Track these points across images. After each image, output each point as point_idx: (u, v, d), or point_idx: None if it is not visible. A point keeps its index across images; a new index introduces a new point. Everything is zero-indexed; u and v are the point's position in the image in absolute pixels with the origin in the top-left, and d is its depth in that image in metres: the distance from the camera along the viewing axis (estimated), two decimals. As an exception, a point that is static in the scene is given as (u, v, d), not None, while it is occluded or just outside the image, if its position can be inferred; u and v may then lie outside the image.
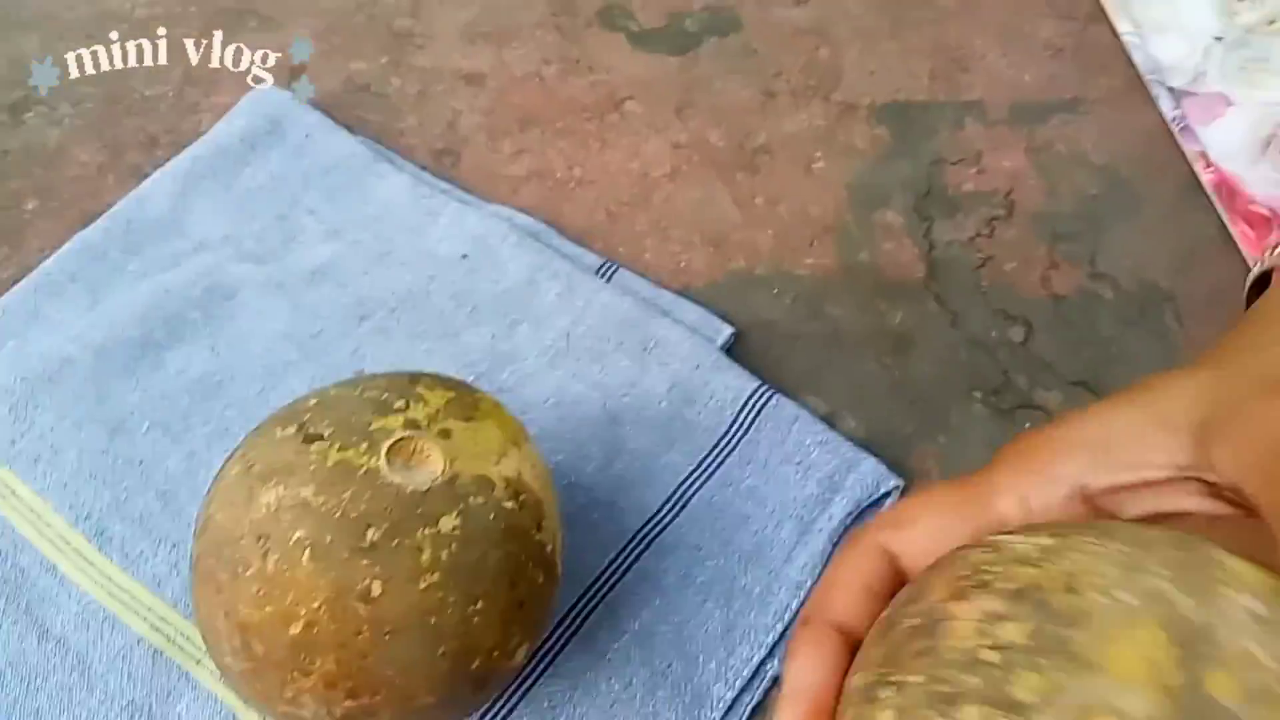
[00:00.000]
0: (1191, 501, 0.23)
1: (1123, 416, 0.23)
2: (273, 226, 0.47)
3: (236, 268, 0.45)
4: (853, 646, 0.23)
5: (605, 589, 0.38)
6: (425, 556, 0.28)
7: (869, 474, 0.39)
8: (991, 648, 0.19)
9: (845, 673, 0.22)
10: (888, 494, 0.39)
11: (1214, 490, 0.22)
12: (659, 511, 0.39)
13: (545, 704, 0.35)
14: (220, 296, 0.44)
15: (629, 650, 0.37)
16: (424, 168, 0.49)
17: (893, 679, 0.20)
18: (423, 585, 0.28)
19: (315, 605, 0.27)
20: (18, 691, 0.35)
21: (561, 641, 0.37)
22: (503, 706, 0.35)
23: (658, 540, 0.39)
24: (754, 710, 0.36)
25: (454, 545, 0.28)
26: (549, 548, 0.31)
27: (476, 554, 0.29)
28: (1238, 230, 0.47)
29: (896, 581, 0.24)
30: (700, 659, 0.36)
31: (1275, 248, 0.32)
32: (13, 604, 0.37)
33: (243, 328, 0.43)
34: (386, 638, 0.27)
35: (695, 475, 0.40)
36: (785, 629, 0.37)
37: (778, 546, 0.38)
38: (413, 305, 0.44)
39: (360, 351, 0.43)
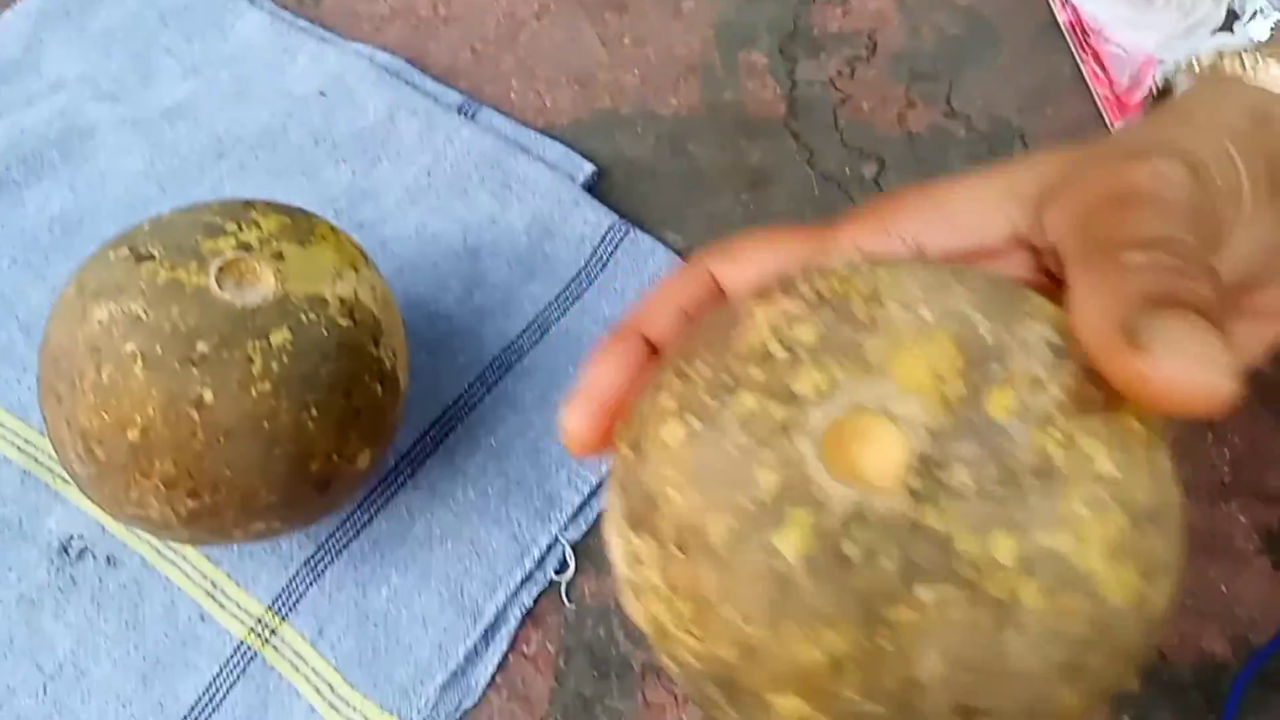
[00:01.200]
0: (1024, 273, 0.22)
1: (973, 184, 0.23)
2: (129, 65, 0.46)
3: (94, 107, 0.45)
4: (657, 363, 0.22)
5: (465, 409, 0.40)
6: (256, 367, 0.29)
7: (717, 302, 0.41)
8: (782, 344, 0.18)
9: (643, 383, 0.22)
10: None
11: (1039, 262, 0.22)
12: (518, 339, 0.41)
13: (404, 512, 0.38)
14: (78, 135, 0.44)
15: (485, 463, 0.39)
16: (284, 6, 0.48)
17: (682, 370, 0.19)
18: (254, 393, 0.29)
19: (150, 412, 0.29)
20: (-111, 513, 0.37)
21: (421, 456, 0.39)
22: (363, 515, 0.38)
23: (518, 365, 0.41)
24: (599, 516, 0.39)
25: (285, 357, 0.30)
26: (389, 364, 0.33)
27: (308, 366, 0.30)
28: (1089, 70, 0.48)
29: (716, 308, 0.23)
30: (553, 469, 0.39)
31: (1171, 72, 0.31)
32: (-121, 433, 0.38)
33: (101, 166, 0.43)
34: (221, 440, 0.29)
35: (554, 305, 0.42)
36: (631, 445, 0.39)
37: (628, 370, 0.41)
38: (271, 143, 0.44)
39: (219, 189, 0.43)
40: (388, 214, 0.43)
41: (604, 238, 0.43)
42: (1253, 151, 0.23)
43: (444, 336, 0.41)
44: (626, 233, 0.43)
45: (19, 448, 0.38)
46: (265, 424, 0.30)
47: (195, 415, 0.29)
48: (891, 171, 0.46)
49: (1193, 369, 0.17)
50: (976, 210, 0.22)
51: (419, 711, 0.35)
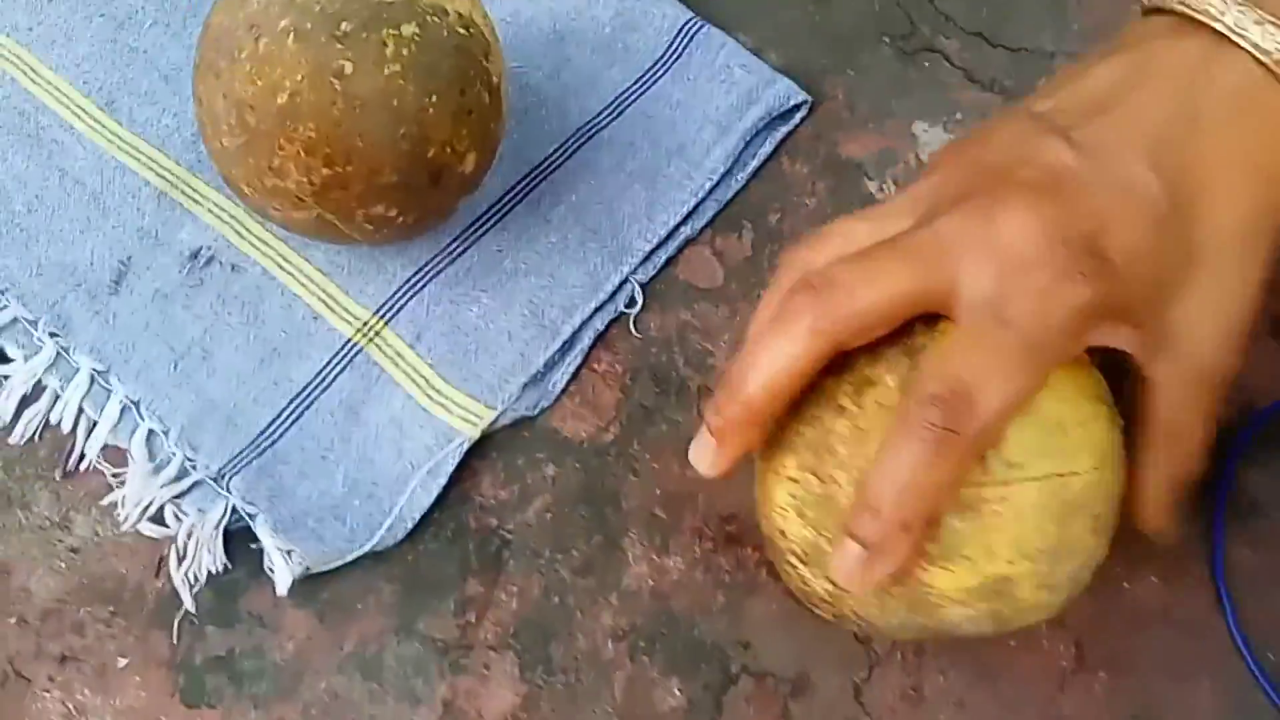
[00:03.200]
0: None
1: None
2: None
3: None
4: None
5: (550, 170, 0.44)
6: (389, 49, 0.34)
7: (782, 90, 0.45)
8: None
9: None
10: (796, 107, 0.46)
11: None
12: (598, 115, 0.45)
13: (493, 248, 0.42)
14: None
15: (566, 214, 0.43)
16: None
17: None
18: (387, 72, 0.34)
19: (298, 78, 0.33)
20: (44, 216, 0.42)
21: (509, 206, 0.43)
22: (458, 247, 0.42)
23: (596, 137, 0.45)
24: (666, 263, 0.43)
25: (413, 46, 0.34)
26: (494, 79, 0.37)
27: (431, 57, 0.35)
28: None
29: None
30: (626, 222, 0.43)
31: None
32: (37, 152, 0.43)
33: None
34: (357, 110, 0.34)
35: (632, 89, 0.46)
36: (698, 203, 0.44)
37: (699, 145, 0.45)
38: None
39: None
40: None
41: (680, 30, 0.47)
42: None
43: (532, 107, 0.45)
44: (701, 28, 0.47)
45: (157, 173, 0.43)
46: (394, 101, 0.34)
47: (336, 84, 0.33)
48: (950, -4, 0.49)
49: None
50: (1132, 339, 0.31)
51: (503, 402, 0.39)
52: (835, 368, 0.29)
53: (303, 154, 0.34)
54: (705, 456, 0.30)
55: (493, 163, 0.40)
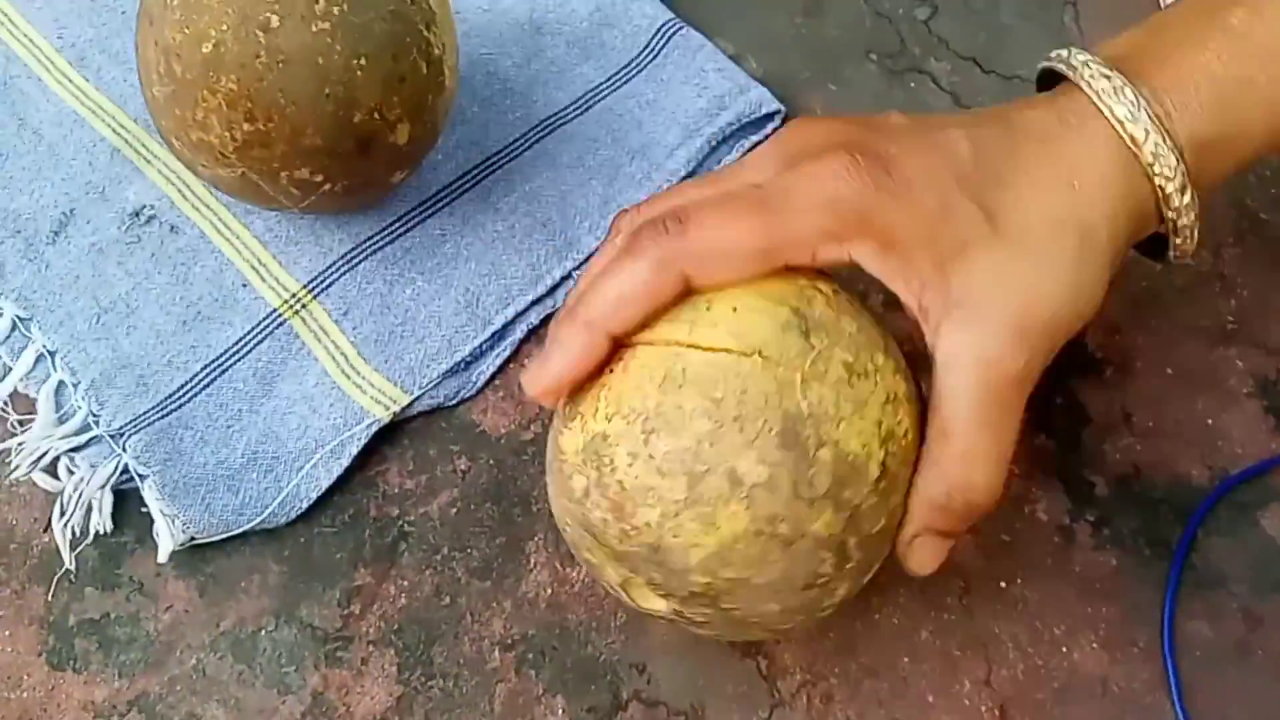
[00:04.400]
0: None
1: (912, 226, 0.29)
2: None
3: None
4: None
5: (507, 158, 0.43)
6: (320, 6, 0.33)
7: (755, 98, 0.44)
8: None
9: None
10: (769, 116, 0.44)
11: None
12: (565, 108, 0.44)
13: (436, 231, 0.41)
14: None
15: (517, 204, 0.42)
16: None
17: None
18: (314, 29, 0.33)
19: (224, 28, 0.33)
20: (-3, 162, 0.42)
21: (460, 191, 0.42)
22: (400, 226, 0.41)
23: (560, 130, 0.44)
24: (614, 263, 0.41)
25: (345, 5, 0.33)
26: (435, 51, 0.36)
27: (364, 18, 0.34)
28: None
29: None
30: (577, 218, 0.42)
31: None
32: (1, 101, 0.43)
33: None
34: (280, 65, 0.33)
35: (603, 86, 0.45)
36: (654, 205, 0.42)
37: (663, 146, 0.43)
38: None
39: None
40: (466, -13, 0.47)
41: (658, 31, 0.45)
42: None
43: (498, 95, 0.44)
44: (679, 29, 0.45)
45: (115, 130, 0.43)
46: (320, 59, 0.33)
47: (261, 37, 0.33)
48: (944, 16, 0.47)
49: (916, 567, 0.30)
50: (899, 273, 0.29)
51: (420, 387, 0.38)
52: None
53: (225, 107, 0.33)
54: (538, 377, 0.28)
55: (435, 140, 0.38)
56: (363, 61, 0.34)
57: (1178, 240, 0.31)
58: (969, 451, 0.27)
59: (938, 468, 0.28)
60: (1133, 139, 0.29)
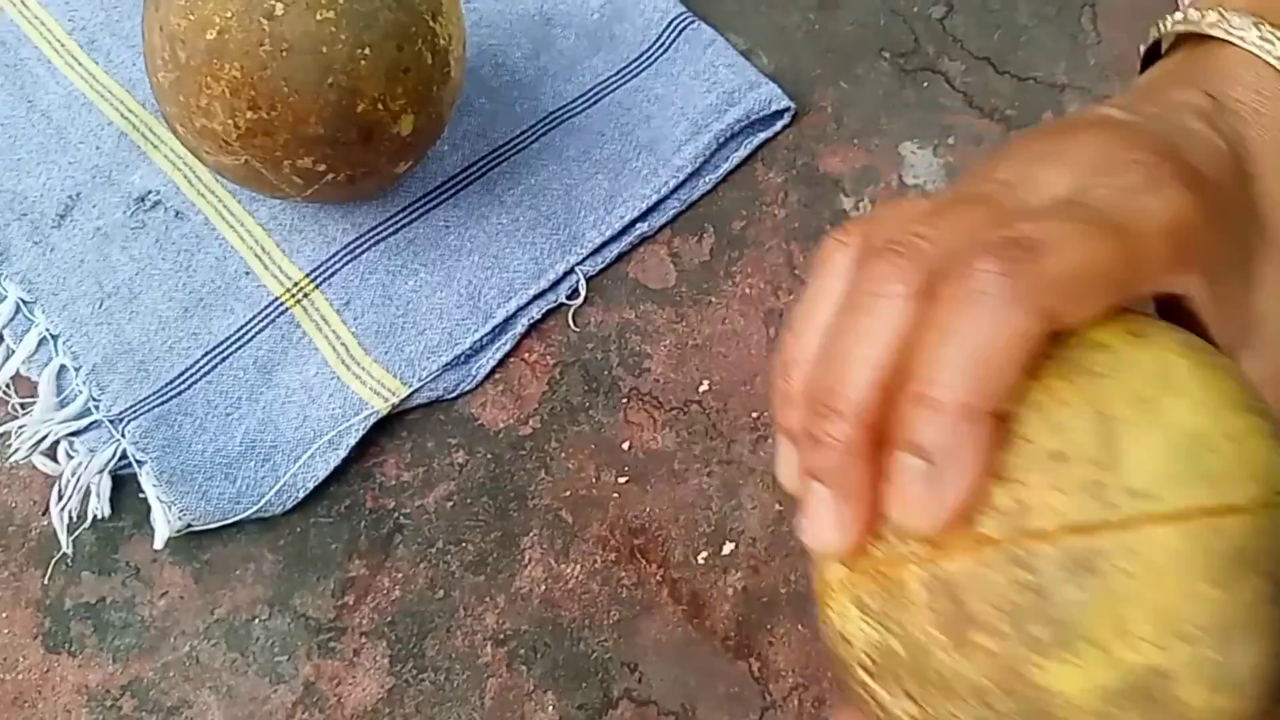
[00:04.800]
0: None
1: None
2: None
3: None
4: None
5: (513, 150, 0.43)
6: (325, -5, 0.33)
7: (765, 94, 0.43)
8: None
9: None
10: (779, 113, 0.43)
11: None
12: (573, 101, 0.44)
13: (441, 222, 0.41)
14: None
15: (521, 197, 0.42)
16: None
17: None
18: (319, 17, 0.33)
19: (228, 15, 0.33)
20: (3, 143, 0.42)
21: (465, 182, 0.42)
22: (404, 217, 0.41)
23: (568, 123, 0.43)
24: (618, 258, 0.41)
25: (352, -5, 0.33)
26: (441, 41, 0.36)
27: (369, 7, 0.34)
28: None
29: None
30: (582, 213, 0.41)
31: (1177, 16, 0.32)
32: (11, 83, 0.43)
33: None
34: (284, 53, 0.33)
35: (612, 79, 0.45)
36: (660, 200, 0.42)
37: (670, 141, 0.43)
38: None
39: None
40: (476, -23, 0.46)
41: (670, 25, 0.45)
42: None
43: (505, 86, 0.44)
44: (690, 23, 0.45)
45: (122, 114, 0.43)
46: (323, 49, 0.33)
47: (265, 25, 0.33)
48: (959, 14, 0.47)
49: None
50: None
51: (419, 380, 0.38)
52: None
53: (228, 94, 0.33)
54: (826, 520, 0.20)
55: (440, 131, 0.38)
56: (367, 51, 0.34)
57: None
58: None
59: None
60: None
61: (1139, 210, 0.21)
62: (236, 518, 0.35)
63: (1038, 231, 0.20)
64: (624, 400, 0.39)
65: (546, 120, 0.43)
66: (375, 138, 0.35)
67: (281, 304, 0.39)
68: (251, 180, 0.36)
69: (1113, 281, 0.21)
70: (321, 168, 0.35)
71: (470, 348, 0.39)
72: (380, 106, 0.34)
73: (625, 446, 0.38)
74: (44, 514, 0.37)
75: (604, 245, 0.41)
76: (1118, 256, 0.20)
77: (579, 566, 0.36)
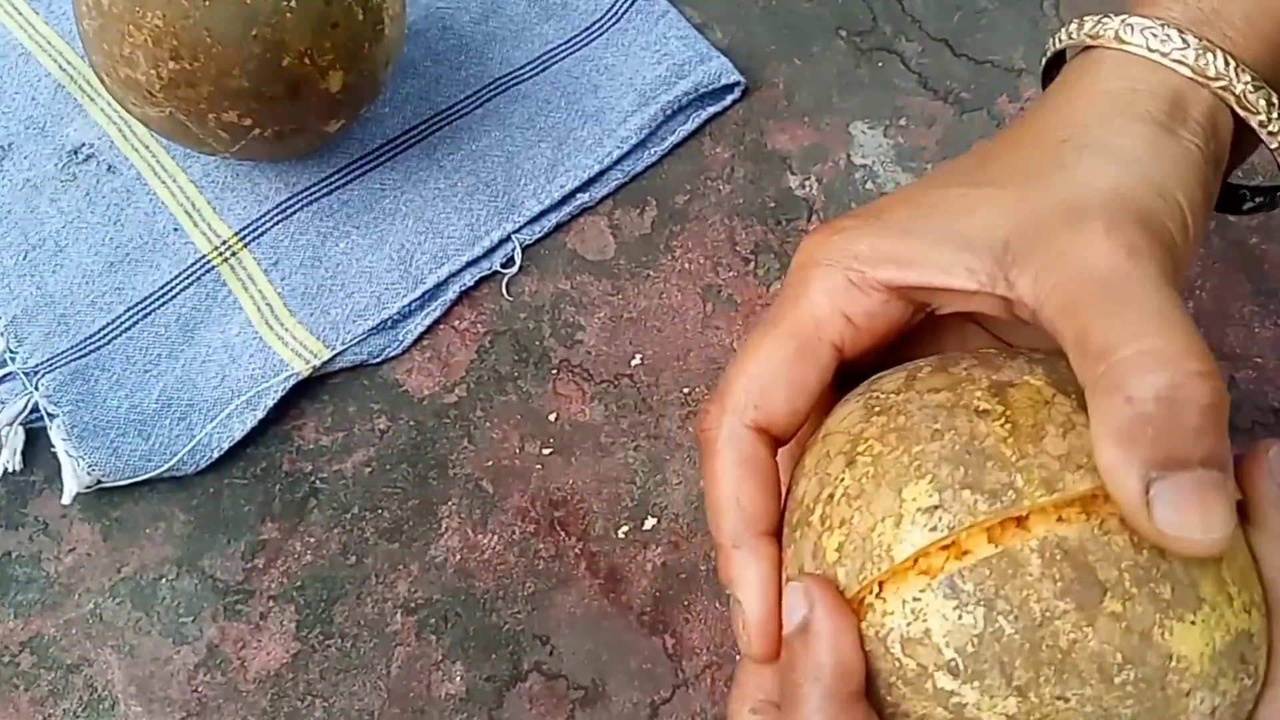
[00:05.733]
0: (996, 313, 0.23)
1: (927, 232, 0.23)
2: None
3: None
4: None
5: (456, 115, 0.42)
6: (250, -57, 0.32)
7: (715, 68, 0.42)
8: None
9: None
10: (729, 88, 0.43)
11: (1010, 308, 0.23)
12: (521, 68, 0.43)
13: (377, 185, 0.40)
14: None
15: (461, 162, 0.41)
16: None
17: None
18: (243, -29, 0.32)
19: (149, -41, 0.32)
20: (-62, 91, 0.41)
21: (405, 145, 0.41)
22: (339, 179, 0.40)
23: (514, 89, 0.43)
24: (556, 228, 0.40)
25: (278, -56, 0.33)
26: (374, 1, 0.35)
27: (297, -42, 0.33)
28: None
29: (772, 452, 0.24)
30: (522, 181, 0.41)
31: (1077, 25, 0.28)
32: (-53, 30, 0.43)
33: None
34: (207, 2, 0.32)
35: (562, 47, 0.44)
36: (603, 171, 0.41)
37: (617, 111, 0.42)
38: None
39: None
40: (429, -60, 0.45)
41: (623, -5, 0.44)
42: (1192, 178, 0.24)
43: (452, 50, 0.43)
44: (645, -6, 0.44)
45: (60, 66, 0.42)
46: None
47: (187, -28, 0.32)
48: (915, -9, 0.46)
49: (1195, 531, 0.19)
50: (938, 262, 0.23)
51: (343, 343, 0.37)
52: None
53: (150, 43, 0.33)
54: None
55: (374, 90, 0.38)
56: (292, 4, 0.33)
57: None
58: (1113, 340, 0.20)
59: (1102, 390, 0.20)
60: (1160, 53, 0.24)
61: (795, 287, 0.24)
62: (148, 475, 0.35)
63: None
64: (554, 371, 0.38)
65: (492, 86, 0.43)
66: (302, 93, 0.35)
67: (209, 262, 0.38)
68: (177, 134, 0.36)
69: (787, 360, 0.24)
70: (247, 122, 0.35)
71: (398, 312, 0.38)
72: (307, 61, 0.34)
73: (552, 418, 0.37)
74: (-44, 466, 0.36)
75: (543, 214, 0.40)
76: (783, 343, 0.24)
77: (496, 537, 0.35)
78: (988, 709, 0.19)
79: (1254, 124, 0.25)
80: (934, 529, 0.19)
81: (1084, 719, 0.19)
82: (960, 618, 0.19)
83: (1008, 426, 0.20)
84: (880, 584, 0.20)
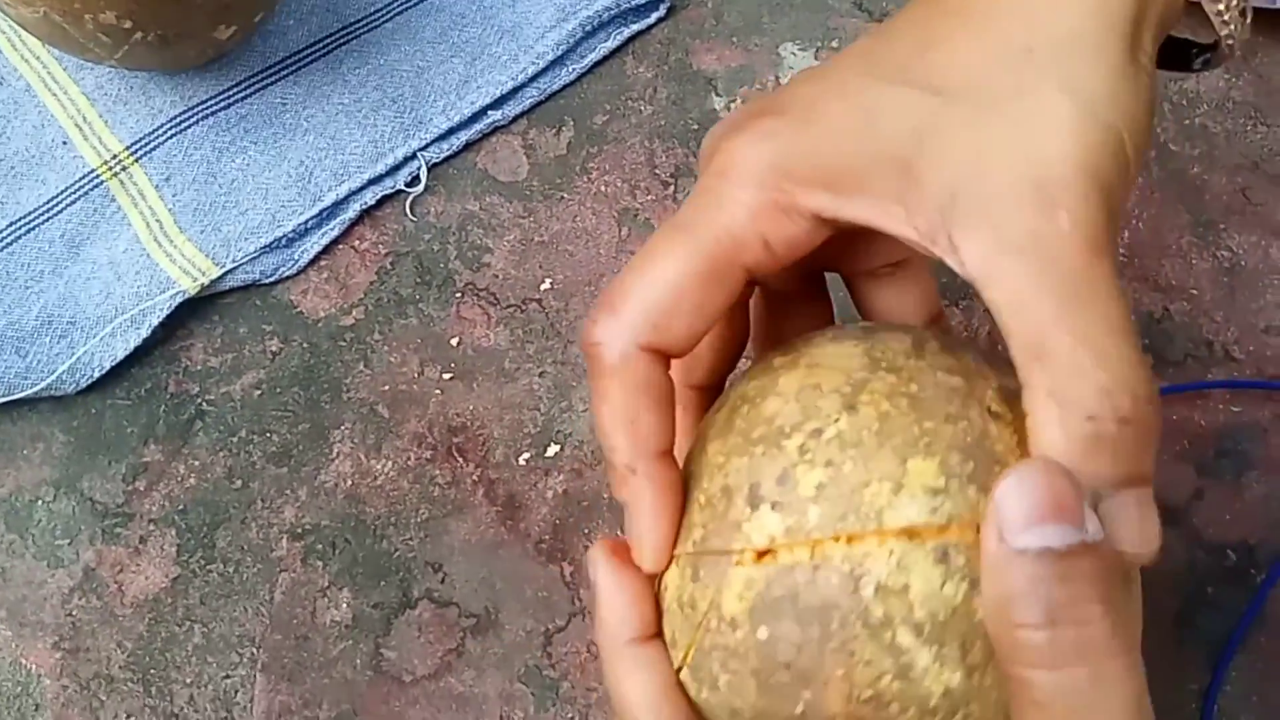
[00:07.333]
0: (909, 250, 0.22)
1: (864, 152, 0.21)
2: None
3: None
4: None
5: (363, 30, 0.40)
6: None
7: (639, -17, 0.41)
8: None
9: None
10: (654, 5, 0.41)
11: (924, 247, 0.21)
12: (435, -18, 0.41)
13: (277, 99, 0.38)
14: None
15: (367, 77, 0.39)
16: None
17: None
18: None
19: None
20: None
21: (309, 59, 0.39)
22: (238, 92, 0.38)
23: (426, 3, 0.41)
24: (466, 146, 0.39)
25: None
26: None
27: None
28: None
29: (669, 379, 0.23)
30: (432, 97, 0.39)
31: None
32: None
33: None
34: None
35: (481, -39, 0.42)
36: (517, 88, 0.39)
37: (535, 27, 0.40)
38: None
39: None
40: None
41: (545, -94, 0.42)
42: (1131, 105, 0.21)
43: (363, -35, 0.41)
44: (569, -94, 0.42)
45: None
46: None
47: None
48: (859, -88, 0.44)
49: (1138, 545, 0.20)
50: (872, 197, 0.21)
51: (234, 260, 0.35)
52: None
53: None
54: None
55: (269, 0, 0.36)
56: (165, -109, 0.31)
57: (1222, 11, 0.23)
58: (1078, 353, 0.19)
59: (1061, 403, 0.19)
60: None
61: (713, 191, 0.23)
62: (24, 394, 0.33)
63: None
64: (458, 295, 0.37)
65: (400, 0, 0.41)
66: (184, -8, 0.33)
67: (97, 176, 0.37)
68: (57, 37, 0.34)
69: (691, 279, 0.22)
70: (127, 24, 0.33)
71: (294, 230, 0.36)
72: (185, -44, 0.32)
73: (454, 343, 0.36)
74: None
75: (452, 131, 0.38)
76: (682, 255, 0.22)
77: (390, 463, 0.34)
78: (933, 676, 0.19)
79: (1211, 12, 0.24)
80: (934, 511, 0.19)
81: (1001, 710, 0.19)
82: (943, 586, 0.19)
83: (1016, 438, 0.20)
84: (851, 537, 0.19)
